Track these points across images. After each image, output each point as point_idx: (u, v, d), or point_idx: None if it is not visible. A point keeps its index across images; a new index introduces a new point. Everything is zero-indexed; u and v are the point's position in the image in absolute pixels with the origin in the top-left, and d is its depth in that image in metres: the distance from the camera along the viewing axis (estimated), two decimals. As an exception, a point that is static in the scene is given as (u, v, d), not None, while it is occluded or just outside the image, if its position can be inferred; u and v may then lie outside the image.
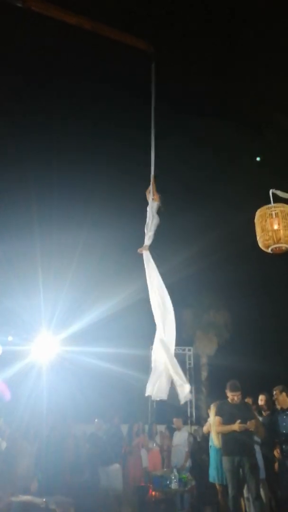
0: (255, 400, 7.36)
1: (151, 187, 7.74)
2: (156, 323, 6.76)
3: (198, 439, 11.18)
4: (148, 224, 7.50)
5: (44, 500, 5.52)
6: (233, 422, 6.14)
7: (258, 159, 14.84)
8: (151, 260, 7.17)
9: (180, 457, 9.25)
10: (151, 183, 7.75)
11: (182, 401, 6.01)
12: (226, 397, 6.49)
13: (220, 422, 6.36)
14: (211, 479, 7.22)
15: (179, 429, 9.74)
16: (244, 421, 6.08)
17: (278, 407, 6.51)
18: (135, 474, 9.36)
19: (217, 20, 10.86)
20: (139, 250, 7.28)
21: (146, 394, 6.21)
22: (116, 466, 8.78)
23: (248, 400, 7.21)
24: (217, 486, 7.07)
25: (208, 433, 7.83)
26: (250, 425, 6.07)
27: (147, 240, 7.29)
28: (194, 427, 14.91)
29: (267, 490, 6.85)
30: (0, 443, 8.07)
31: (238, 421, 6.07)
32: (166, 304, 6.58)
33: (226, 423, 6.24)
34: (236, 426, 6.06)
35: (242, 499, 6.46)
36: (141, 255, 7.38)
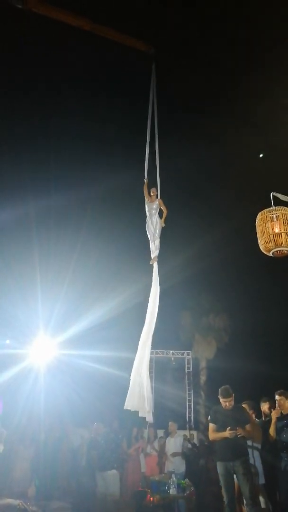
0: (256, 404, 7.29)
1: (145, 188, 7.73)
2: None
3: (197, 444, 11.10)
4: (150, 227, 7.42)
5: (20, 502, 5.49)
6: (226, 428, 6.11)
7: (261, 155, 14.77)
8: (157, 273, 7.14)
9: (177, 464, 9.13)
10: (145, 184, 7.74)
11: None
12: (219, 403, 6.44)
13: (213, 429, 6.33)
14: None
15: (172, 434, 9.63)
16: (237, 427, 6.03)
17: (280, 412, 6.46)
18: (134, 479, 9.27)
19: (217, 19, 10.85)
20: (151, 262, 7.24)
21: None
22: (114, 471, 8.69)
23: (245, 405, 7.15)
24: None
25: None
26: (240, 431, 6.01)
27: (156, 250, 7.24)
28: (193, 432, 14.84)
29: (266, 496, 6.78)
30: None
31: (228, 428, 6.02)
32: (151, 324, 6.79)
33: (220, 429, 6.20)
34: (227, 433, 6.02)
35: (242, 505, 6.39)
36: (143, 261, 7.37)
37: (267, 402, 7.13)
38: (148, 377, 6.79)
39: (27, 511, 5.52)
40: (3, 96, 10.50)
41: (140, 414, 6.67)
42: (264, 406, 7.15)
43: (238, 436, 6.01)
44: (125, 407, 6.60)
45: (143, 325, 7.07)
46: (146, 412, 6.58)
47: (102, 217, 16.60)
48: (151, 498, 8.01)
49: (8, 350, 13.05)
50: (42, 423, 9.32)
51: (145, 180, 7.73)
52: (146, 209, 7.59)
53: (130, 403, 6.57)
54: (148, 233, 7.44)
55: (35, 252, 14.82)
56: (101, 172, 15.53)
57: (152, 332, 7.02)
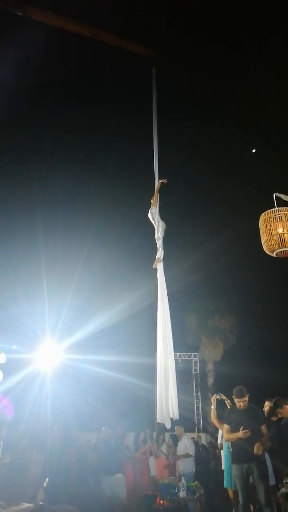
0: (261, 407, 7.27)
1: (155, 193, 7.68)
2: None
3: (207, 446, 11.08)
4: (156, 232, 7.35)
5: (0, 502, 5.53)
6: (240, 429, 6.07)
7: (253, 151, 14.76)
8: (163, 275, 7.06)
9: (186, 465, 9.11)
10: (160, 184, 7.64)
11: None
12: (233, 403, 6.43)
13: (228, 430, 6.30)
14: (225, 485, 7.15)
15: (180, 437, 9.63)
16: (251, 427, 6.01)
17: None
18: (142, 482, 9.25)
19: (217, 23, 10.87)
20: (154, 266, 7.18)
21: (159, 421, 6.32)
22: (119, 475, 8.66)
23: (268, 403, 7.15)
24: (230, 492, 7.00)
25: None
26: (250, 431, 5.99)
27: (159, 253, 7.16)
28: (201, 434, 14.81)
29: (277, 497, 6.76)
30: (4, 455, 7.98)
31: (241, 428, 6.00)
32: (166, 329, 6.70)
33: (234, 430, 6.17)
34: (240, 434, 6.00)
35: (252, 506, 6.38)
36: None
37: (268, 402, 7.13)
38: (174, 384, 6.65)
39: None
40: (5, 104, 10.59)
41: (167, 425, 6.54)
42: (267, 407, 7.14)
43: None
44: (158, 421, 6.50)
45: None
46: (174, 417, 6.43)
47: (108, 223, 16.66)
48: (161, 502, 8.00)
49: (15, 355, 13.06)
50: (49, 428, 9.32)
51: (159, 181, 7.38)
52: (149, 216, 7.43)
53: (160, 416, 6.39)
54: (156, 239, 7.30)
55: (41, 257, 14.87)
56: (107, 178, 15.59)
57: (171, 337, 6.93)
